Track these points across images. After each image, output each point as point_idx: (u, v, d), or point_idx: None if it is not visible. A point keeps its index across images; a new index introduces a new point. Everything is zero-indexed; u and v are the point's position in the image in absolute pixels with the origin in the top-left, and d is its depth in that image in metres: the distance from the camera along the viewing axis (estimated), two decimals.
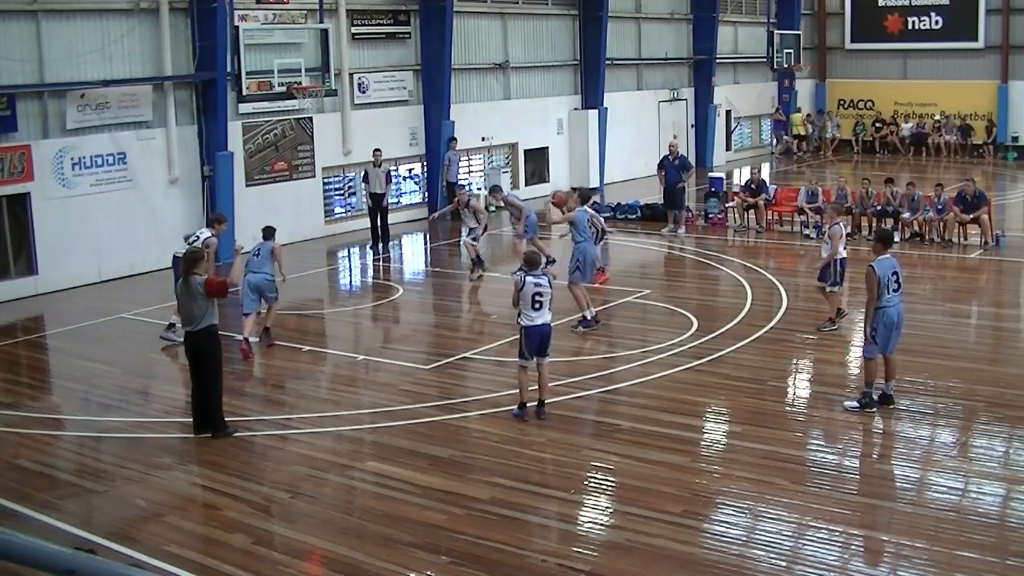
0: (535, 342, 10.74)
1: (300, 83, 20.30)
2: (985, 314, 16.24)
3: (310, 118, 22.43)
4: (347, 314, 16.52)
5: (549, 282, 10.79)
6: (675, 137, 29.94)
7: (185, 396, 12.67)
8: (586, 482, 9.46)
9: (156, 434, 11.09)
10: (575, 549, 8.04)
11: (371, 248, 21.52)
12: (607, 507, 8.99)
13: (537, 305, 10.66)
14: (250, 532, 8.49)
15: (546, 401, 10.93)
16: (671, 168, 22.15)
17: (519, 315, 10.78)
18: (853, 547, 7.97)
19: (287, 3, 21.48)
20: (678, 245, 21.19)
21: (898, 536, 8.04)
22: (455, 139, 24.81)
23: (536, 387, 10.89)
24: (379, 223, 21.65)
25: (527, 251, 11.24)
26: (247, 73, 19.69)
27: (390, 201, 22.47)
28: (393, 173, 23.43)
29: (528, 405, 10.89)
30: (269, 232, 14.25)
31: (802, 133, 38.31)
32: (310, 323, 15.83)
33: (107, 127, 18.68)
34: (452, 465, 9.73)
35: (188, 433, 10.85)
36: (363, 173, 22.38)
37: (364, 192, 22.58)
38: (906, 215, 20.56)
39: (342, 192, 23.83)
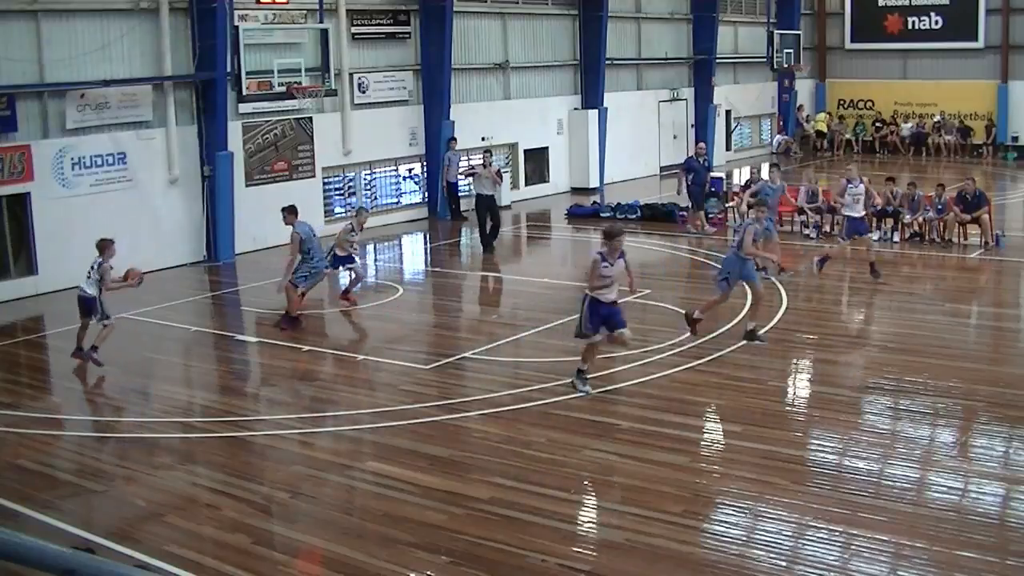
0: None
1: (300, 83, 20.29)
2: (985, 314, 16.22)
3: (310, 118, 22.42)
4: (347, 314, 16.49)
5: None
6: (675, 137, 29.96)
7: (185, 396, 12.70)
8: (586, 482, 9.46)
9: (156, 434, 11.08)
10: (575, 549, 8.03)
11: (484, 252, 20.65)
12: (607, 507, 8.99)
13: None
14: (250, 532, 8.49)
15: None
16: (702, 170, 22.15)
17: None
18: (853, 547, 7.96)
19: (287, 3, 21.48)
20: (677, 245, 21.17)
21: (898, 536, 8.02)
22: (455, 139, 24.80)
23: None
24: (488, 225, 20.76)
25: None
26: (247, 73, 19.70)
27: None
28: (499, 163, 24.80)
29: None
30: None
31: (824, 131, 38.39)
32: (310, 323, 15.82)
33: (107, 127, 18.67)
34: (452, 465, 9.72)
35: (188, 433, 10.85)
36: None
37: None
38: (907, 217, 20.55)
39: (342, 192, 23.84)
